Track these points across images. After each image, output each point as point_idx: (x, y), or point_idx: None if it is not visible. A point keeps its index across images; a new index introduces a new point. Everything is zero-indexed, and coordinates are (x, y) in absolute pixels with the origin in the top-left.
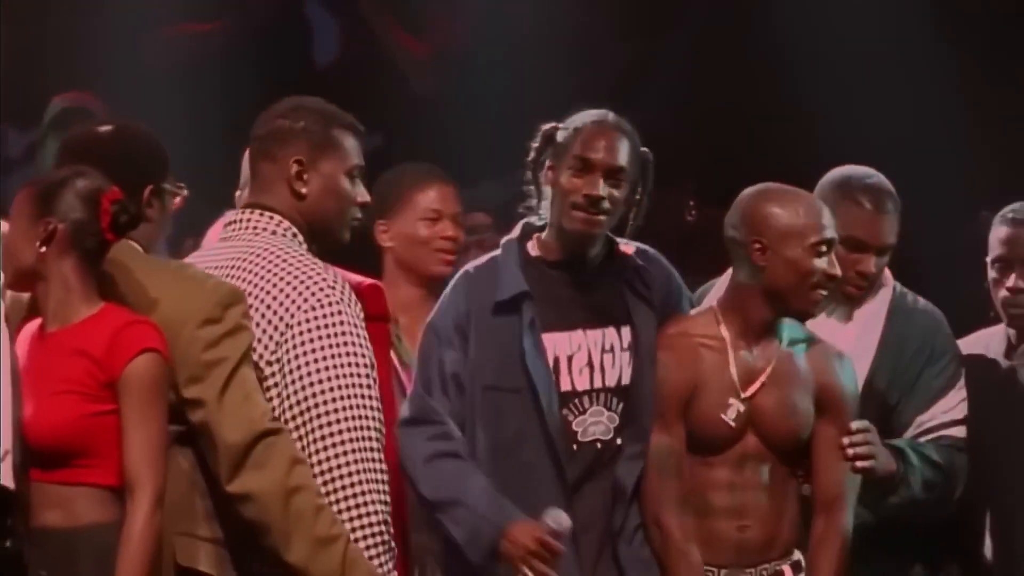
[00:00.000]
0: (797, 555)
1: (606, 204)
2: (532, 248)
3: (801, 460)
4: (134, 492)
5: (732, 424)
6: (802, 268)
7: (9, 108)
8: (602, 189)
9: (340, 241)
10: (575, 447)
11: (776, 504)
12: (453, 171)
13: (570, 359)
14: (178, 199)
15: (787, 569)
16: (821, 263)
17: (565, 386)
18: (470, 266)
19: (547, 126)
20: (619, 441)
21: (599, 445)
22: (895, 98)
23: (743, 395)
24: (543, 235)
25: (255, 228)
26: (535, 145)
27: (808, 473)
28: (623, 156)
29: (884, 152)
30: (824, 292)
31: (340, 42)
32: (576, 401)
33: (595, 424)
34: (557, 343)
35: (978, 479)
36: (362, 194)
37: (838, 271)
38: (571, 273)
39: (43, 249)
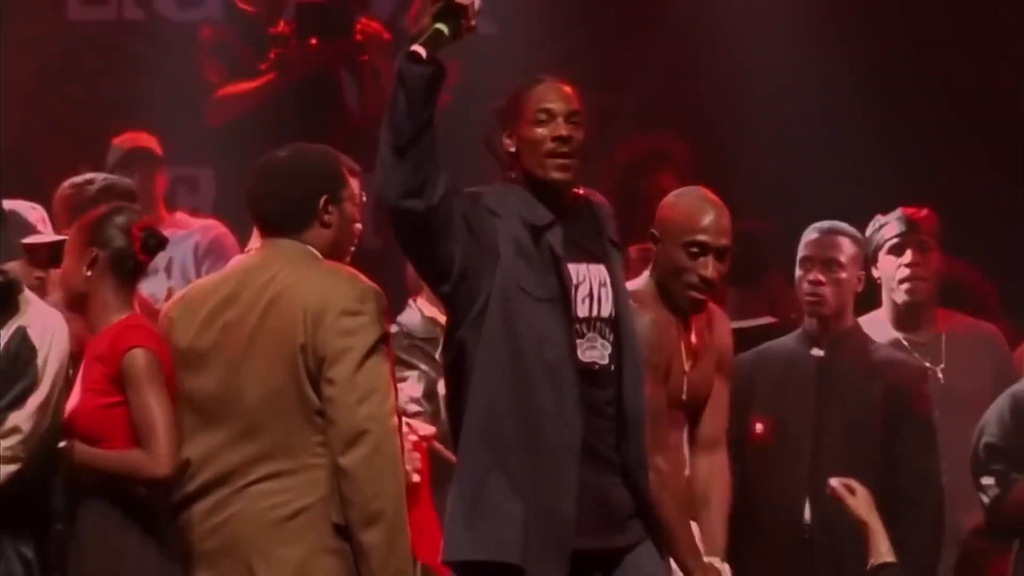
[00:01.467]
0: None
1: (574, 144)
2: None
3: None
4: (146, 455)
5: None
6: (676, 263)
7: (84, 154)
8: (566, 131)
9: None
10: (579, 363)
11: None
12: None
13: (576, 288)
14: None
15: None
16: (694, 263)
17: (578, 309)
18: (486, 189)
19: (492, 108)
20: (613, 368)
21: (596, 367)
22: (797, 107)
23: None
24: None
25: None
26: (497, 122)
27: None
28: (569, 101)
29: (786, 159)
30: (697, 293)
31: (365, 95)
32: (578, 326)
33: (591, 349)
34: (573, 271)
35: (785, 469)
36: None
37: (709, 273)
38: (559, 215)
39: (88, 273)
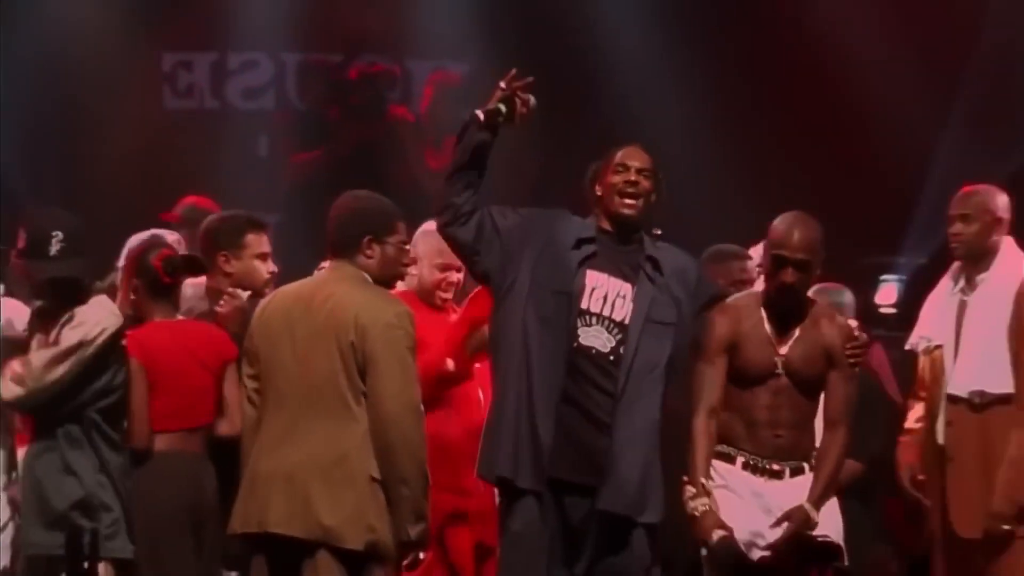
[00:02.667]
0: (813, 458)
1: (640, 188)
2: (598, 220)
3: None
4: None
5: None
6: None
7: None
8: (634, 177)
9: None
10: (575, 345)
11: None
12: None
13: (593, 289)
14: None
15: (806, 465)
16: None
17: (583, 304)
18: (565, 212)
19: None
20: (611, 357)
21: (593, 351)
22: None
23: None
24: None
25: None
26: (589, 175)
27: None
28: (642, 161)
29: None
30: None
31: (388, 161)
32: (586, 316)
33: (594, 337)
34: (591, 276)
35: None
36: None
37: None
38: (615, 241)
39: (133, 298)
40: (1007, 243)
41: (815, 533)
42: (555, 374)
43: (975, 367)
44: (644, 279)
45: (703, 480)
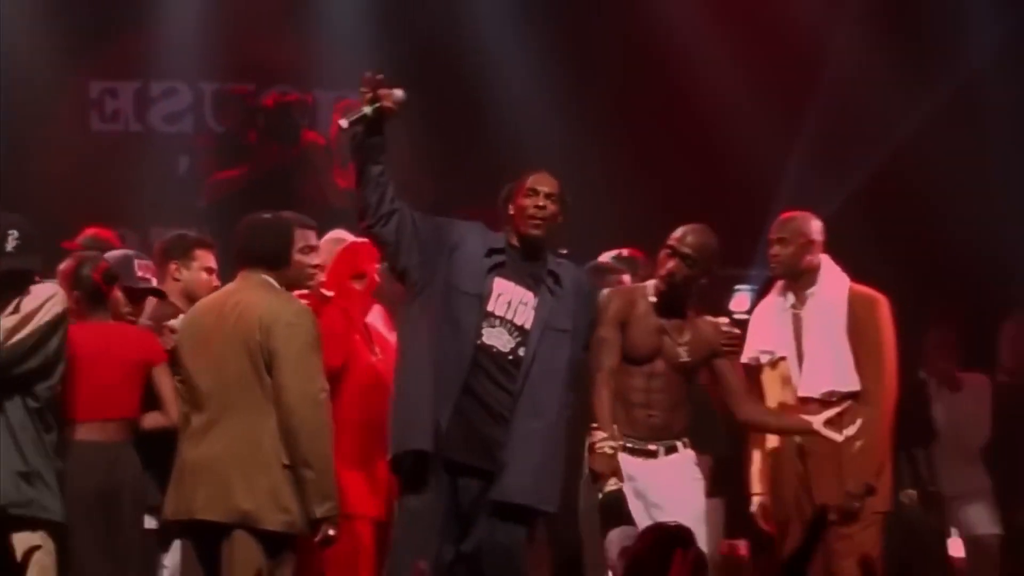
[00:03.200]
0: (684, 439)
1: (547, 212)
2: (508, 236)
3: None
4: None
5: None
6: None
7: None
8: (542, 202)
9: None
10: (478, 343)
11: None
12: None
13: (500, 295)
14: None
15: (679, 444)
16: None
17: (489, 307)
18: (481, 225)
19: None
20: (510, 357)
21: (494, 350)
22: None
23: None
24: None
25: None
26: (502, 195)
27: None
28: (550, 186)
29: None
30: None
31: (302, 181)
32: (491, 318)
33: (496, 337)
34: (499, 283)
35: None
36: None
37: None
38: (521, 256)
39: (75, 307)
40: (826, 260)
41: (671, 520)
42: (458, 366)
43: (822, 371)
44: (545, 291)
45: (612, 425)
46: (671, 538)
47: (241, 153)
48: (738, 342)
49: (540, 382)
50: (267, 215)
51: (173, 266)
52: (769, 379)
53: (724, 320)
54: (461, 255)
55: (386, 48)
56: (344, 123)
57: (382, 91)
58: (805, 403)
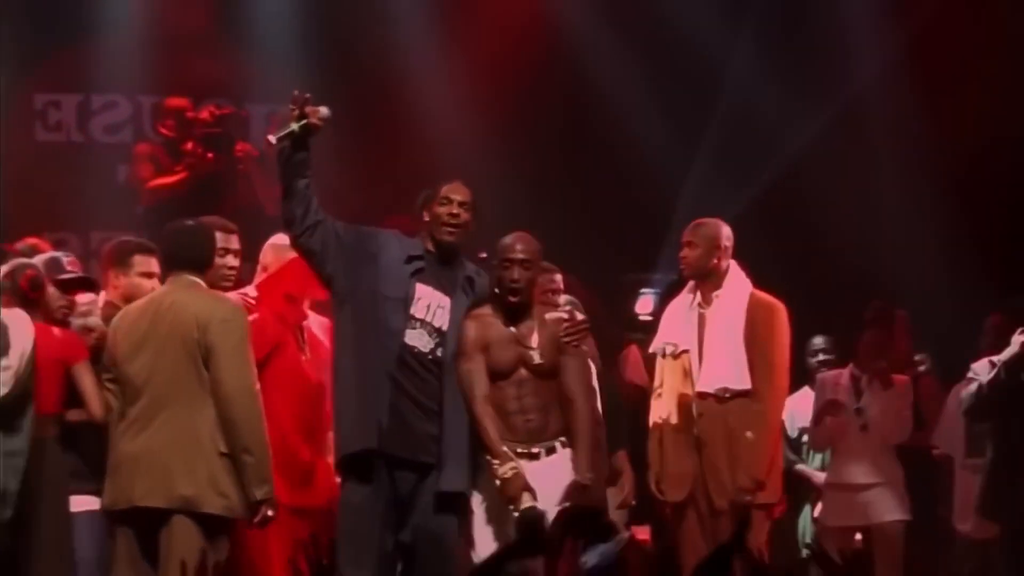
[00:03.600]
0: (563, 438)
1: (461, 219)
2: (424, 241)
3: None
4: None
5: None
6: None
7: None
8: (456, 210)
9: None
10: (402, 343)
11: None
12: None
13: (420, 298)
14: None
15: (558, 444)
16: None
17: (411, 310)
18: (397, 233)
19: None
20: (430, 356)
21: (415, 350)
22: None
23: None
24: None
25: None
26: (419, 202)
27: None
28: (463, 195)
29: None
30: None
31: (235, 189)
32: (412, 320)
33: (417, 338)
34: (419, 287)
35: None
36: None
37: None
38: (438, 261)
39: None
40: (733, 266)
41: (581, 504)
42: (389, 367)
43: (719, 369)
44: (460, 294)
45: (504, 449)
46: (584, 519)
47: (178, 162)
48: (578, 328)
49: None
50: (190, 221)
51: (112, 273)
52: (671, 370)
53: (564, 310)
54: (383, 262)
55: (315, 63)
56: (272, 139)
57: (309, 108)
58: (703, 397)
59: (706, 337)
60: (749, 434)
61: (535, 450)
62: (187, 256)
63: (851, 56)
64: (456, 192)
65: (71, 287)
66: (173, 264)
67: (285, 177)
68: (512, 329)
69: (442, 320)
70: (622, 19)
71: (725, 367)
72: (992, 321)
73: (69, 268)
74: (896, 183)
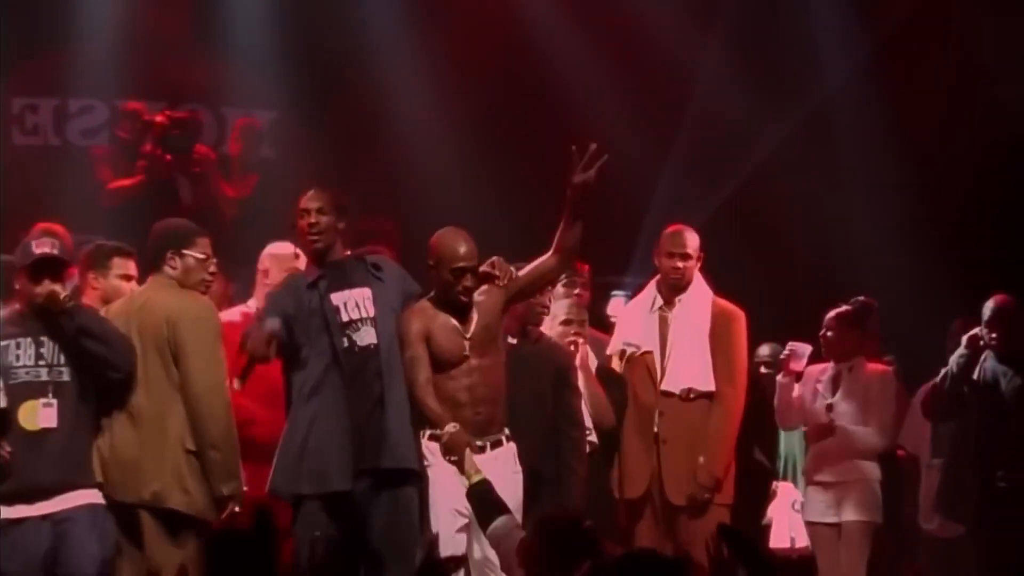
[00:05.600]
0: (506, 431)
1: (317, 228)
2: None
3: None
4: None
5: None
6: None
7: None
8: (314, 219)
9: None
10: (357, 349)
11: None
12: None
13: (345, 304)
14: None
15: (503, 437)
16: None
17: (344, 318)
18: (297, 275)
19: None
20: (377, 344)
21: (372, 347)
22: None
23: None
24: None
25: None
26: (290, 225)
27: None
28: (318, 201)
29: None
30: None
31: (193, 191)
32: (351, 325)
33: (365, 335)
34: (338, 296)
35: None
36: None
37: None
38: (334, 266)
39: None
40: (697, 272)
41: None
42: (336, 388)
43: (685, 370)
44: (374, 280)
45: (446, 417)
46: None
47: (136, 164)
48: (503, 271)
49: (391, 356)
50: (173, 222)
51: (91, 275)
52: (630, 369)
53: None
54: (298, 305)
55: (292, 68)
56: (237, 384)
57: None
58: (666, 396)
59: (671, 338)
60: (702, 459)
61: (480, 443)
62: (164, 257)
63: (819, 61)
64: (310, 201)
65: (42, 270)
66: (150, 264)
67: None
68: (456, 322)
69: (369, 309)
70: (593, 24)
71: (691, 368)
72: (957, 325)
73: (37, 250)
74: (863, 187)
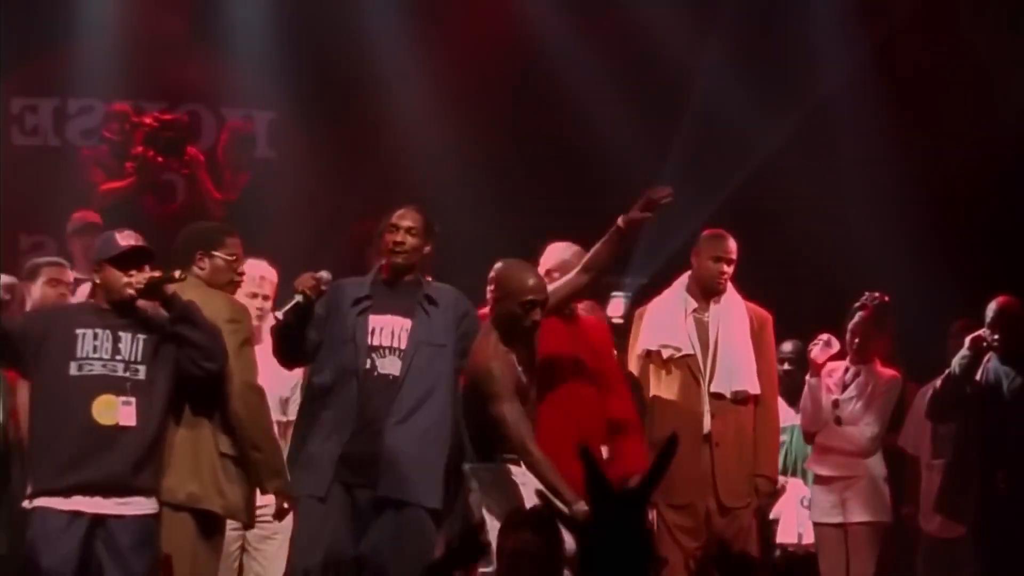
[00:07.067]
0: None
1: (402, 247)
2: (381, 271)
3: None
4: None
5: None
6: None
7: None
8: (401, 237)
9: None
10: (375, 375)
11: None
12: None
13: (382, 329)
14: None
15: None
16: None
17: (375, 341)
18: (353, 282)
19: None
20: (391, 377)
21: (391, 377)
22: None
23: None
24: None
25: None
26: (376, 233)
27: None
28: (411, 220)
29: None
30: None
31: (184, 193)
32: (379, 350)
33: (389, 365)
34: (378, 319)
35: None
36: None
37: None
38: (392, 286)
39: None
40: None
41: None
42: (350, 404)
43: (735, 372)
44: (420, 312)
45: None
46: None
47: (125, 165)
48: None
49: (412, 391)
50: (202, 224)
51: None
52: (672, 372)
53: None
54: (334, 314)
55: (291, 68)
56: (279, 315)
57: (313, 279)
58: (716, 398)
59: (718, 341)
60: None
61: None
62: (194, 257)
63: (818, 61)
64: (402, 219)
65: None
66: (183, 264)
67: (287, 326)
68: (514, 356)
69: (405, 341)
70: (592, 26)
71: (740, 371)
72: (959, 325)
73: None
74: (863, 187)
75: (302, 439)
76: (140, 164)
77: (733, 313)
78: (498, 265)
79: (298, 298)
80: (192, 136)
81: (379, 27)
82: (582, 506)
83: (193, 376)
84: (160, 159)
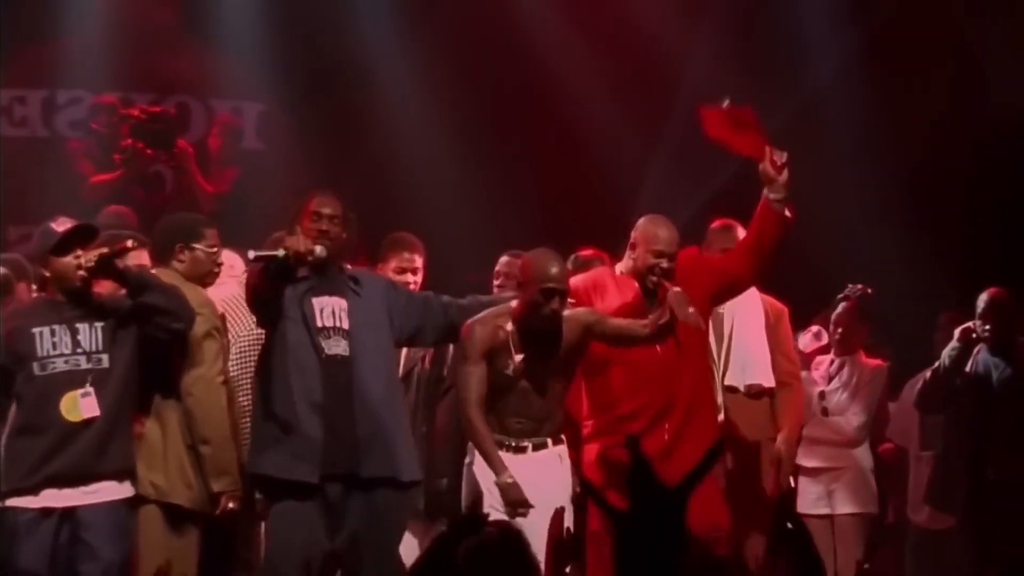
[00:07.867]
0: (561, 438)
1: (330, 234)
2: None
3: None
4: None
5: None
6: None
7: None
8: (326, 225)
9: None
10: (324, 356)
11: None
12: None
13: (322, 310)
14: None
15: (549, 440)
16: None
17: (320, 323)
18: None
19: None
20: (348, 354)
21: (339, 358)
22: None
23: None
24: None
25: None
26: (290, 218)
27: None
28: (332, 208)
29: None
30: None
31: (173, 185)
32: (325, 331)
33: (336, 345)
34: (319, 301)
35: None
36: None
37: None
38: (321, 273)
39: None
40: None
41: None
42: (311, 382)
43: (750, 364)
44: (351, 294)
45: (499, 457)
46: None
47: (114, 157)
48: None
49: (364, 369)
50: (180, 215)
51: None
52: None
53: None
54: (290, 297)
55: (281, 60)
56: (251, 255)
57: (306, 248)
58: (730, 391)
59: (732, 333)
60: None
61: (524, 444)
62: (171, 249)
63: (808, 55)
64: (324, 206)
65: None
66: (157, 257)
67: (266, 279)
68: (514, 341)
69: (345, 321)
70: (581, 18)
71: (755, 364)
72: (946, 317)
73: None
74: (853, 181)
75: (269, 417)
76: (128, 156)
77: (748, 306)
78: (528, 252)
79: (279, 252)
80: (181, 128)
81: (368, 18)
82: (505, 478)
83: (163, 342)
84: (149, 151)
